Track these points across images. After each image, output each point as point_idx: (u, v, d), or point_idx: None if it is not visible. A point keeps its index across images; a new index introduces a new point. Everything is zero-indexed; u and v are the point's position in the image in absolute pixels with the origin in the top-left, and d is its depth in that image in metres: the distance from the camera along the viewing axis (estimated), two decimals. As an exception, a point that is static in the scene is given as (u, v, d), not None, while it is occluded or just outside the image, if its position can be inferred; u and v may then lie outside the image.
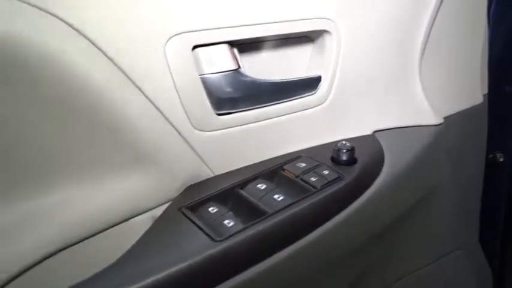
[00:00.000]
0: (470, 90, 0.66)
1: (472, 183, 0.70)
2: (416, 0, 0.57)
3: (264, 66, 0.53)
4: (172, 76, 0.44)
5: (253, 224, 0.42)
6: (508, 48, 0.76)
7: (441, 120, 0.59)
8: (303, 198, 0.45)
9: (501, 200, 0.81)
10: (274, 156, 0.51)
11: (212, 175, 0.48)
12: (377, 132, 0.57)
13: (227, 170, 0.49)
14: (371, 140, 0.55)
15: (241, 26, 0.48)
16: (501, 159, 0.80)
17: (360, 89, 0.56)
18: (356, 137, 0.55)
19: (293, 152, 0.52)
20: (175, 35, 0.44)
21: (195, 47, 0.45)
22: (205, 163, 0.47)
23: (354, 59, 0.54)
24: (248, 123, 0.49)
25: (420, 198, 0.58)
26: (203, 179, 0.48)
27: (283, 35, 0.52)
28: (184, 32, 0.44)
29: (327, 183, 0.47)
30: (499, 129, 0.79)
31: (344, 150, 0.50)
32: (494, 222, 0.81)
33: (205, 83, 0.46)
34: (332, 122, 0.55)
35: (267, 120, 0.50)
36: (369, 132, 0.56)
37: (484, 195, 0.74)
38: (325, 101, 0.53)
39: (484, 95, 0.69)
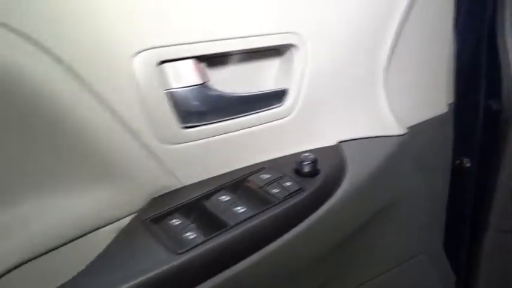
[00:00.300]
0: (435, 99, 0.69)
1: (437, 191, 0.72)
2: (382, 11, 0.58)
3: (232, 79, 0.54)
4: (138, 91, 0.45)
5: (213, 237, 0.43)
6: (475, 57, 0.78)
7: (405, 131, 0.61)
8: (263, 210, 0.47)
9: (467, 204, 0.84)
10: (240, 167, 0.53)
11: (179, 186, 0.50)
12: (342, 143, 0.59)
13: (194, 181, 0.50)
14: (335, 150, 0.57)
15: (208, 41, 0.49)
16: (468, 165, 0.82)
17: (326, 101, 0.57)
18: (321, 147, 0.57)
19: (259, 163, 0.54)
20: (141, 51, 0.45)
21: (161, 62, 0.46)
22: (171, 175, 0.49)
23: (321, 72, 0.56)
24: (215, 136, 0.50)
25: (382, 208, 0.60)
26: (170, 190, 0.49)
27: (251, 49, 0.53)
28: (151, 48, 0.45)
29: (289, 194, 0.49)
30: (466, 136, 0.81)
31: (307, 162, 0.51)
32: (459, 228, 0.84)
33: (171, 97, 0.48)
34: (298, 134, 0.56)
35: (234, 132, 0.52)
36: (333, 142, 0.58)
37: (451, 201, 0.77)
38: (291, 113, 0.55)
39: (449, 104, 0.71)
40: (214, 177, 0.51)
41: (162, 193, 0.49)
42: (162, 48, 0.46)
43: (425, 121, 0.66)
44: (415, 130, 0.63)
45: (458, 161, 0.82)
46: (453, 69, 0.72)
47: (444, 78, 0.69)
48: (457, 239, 0.84)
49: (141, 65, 0.45)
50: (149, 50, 0.45)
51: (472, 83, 0.80)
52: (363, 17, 0.57)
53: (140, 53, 0.45)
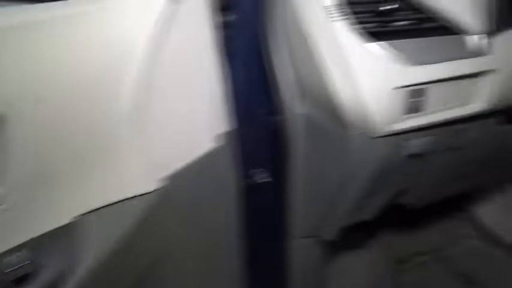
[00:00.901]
0: (204, 135, 0.64)
1: (221, 228, 0.69)
2: (120, 59, 0.49)
3: None
4: None
5: None
6: (252, 76, 0.76)
7: (162, 183, 0.55)
8: None
9: (268, 221, 0.84)
10: None
11: None
12: (82, 217, 0.50)
13: None
14: (66, 233, 0.48)
15: None
16: (262, 181, 0.82)
17: (52, 176, 0.47)
18: (50, 231, 0.47)
19: None
20: None
21: None
22: None
23: (42, 145, 0.45)
24: None
25: (143, 276, 0.54)
26: None
27: None
28: None
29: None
30: (258, 153, 0.80)
31: (11, 269, 0.41)
32: (265, 247, 0.83)
33: None
34: (16, 224, 0.45)
35: None
36: (67, 220, 0.49)
37: (252, 223, 0.75)
38: (3, 202, 0.44)
39: (224, 133, 0.67)
40: None
41: None
42: None
43: (194, 162, 0.61)
44: (180, 176, 0.58)
45: (252, 178, 0.81)
46: (231, 95, 0.68)
47: (213, 111, 0.64)
48: (265, 260, 0.84)
49: None
50: None
51: (255, 101, 0.78)
52: (92, 75, 0.48)
53: None
